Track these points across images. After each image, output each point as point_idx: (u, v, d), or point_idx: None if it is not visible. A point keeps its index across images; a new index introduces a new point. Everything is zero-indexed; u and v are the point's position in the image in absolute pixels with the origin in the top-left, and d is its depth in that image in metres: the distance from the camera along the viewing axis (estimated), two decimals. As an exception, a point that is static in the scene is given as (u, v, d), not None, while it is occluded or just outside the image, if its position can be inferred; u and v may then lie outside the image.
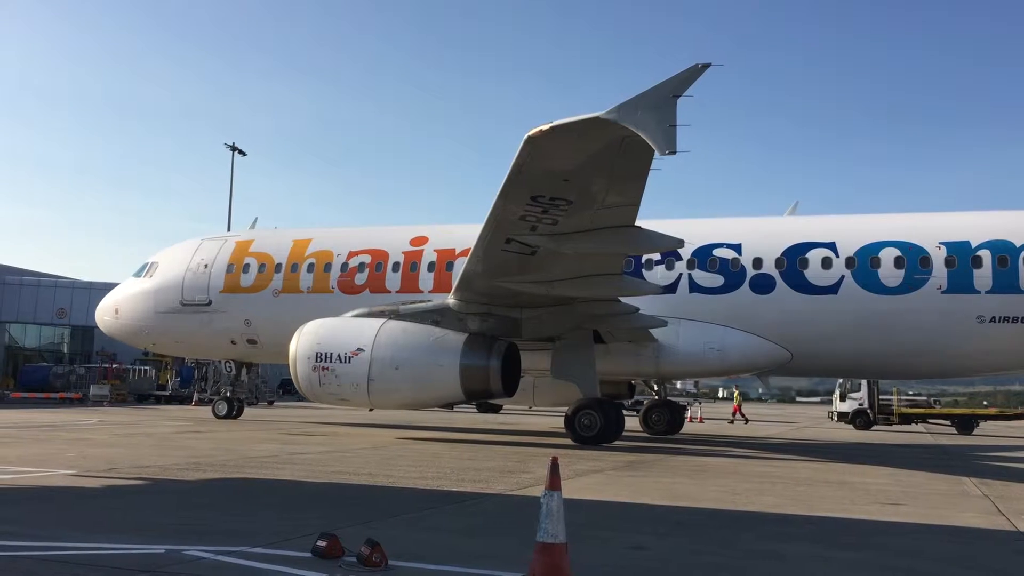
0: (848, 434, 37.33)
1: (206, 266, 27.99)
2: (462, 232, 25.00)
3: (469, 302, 20.84)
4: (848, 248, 22.49)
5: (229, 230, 36.88)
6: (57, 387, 46.83)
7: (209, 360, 37.05)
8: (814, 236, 22.98)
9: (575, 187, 16.03)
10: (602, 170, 15.50)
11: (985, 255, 21.65)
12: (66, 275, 60.27)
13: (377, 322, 20.86)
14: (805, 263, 22.61)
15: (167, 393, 48.48)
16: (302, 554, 7.20)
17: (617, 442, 22.04)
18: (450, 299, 20.99)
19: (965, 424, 42.48)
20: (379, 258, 26.21)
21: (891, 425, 43.61)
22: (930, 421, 44.72)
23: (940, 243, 22.00)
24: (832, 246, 22.60)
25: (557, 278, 19.49)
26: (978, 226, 22.29)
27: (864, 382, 42.90)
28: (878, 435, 37.03)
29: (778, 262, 22.79)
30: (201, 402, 43.56)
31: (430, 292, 24.51)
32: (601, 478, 14.45)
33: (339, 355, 20.38)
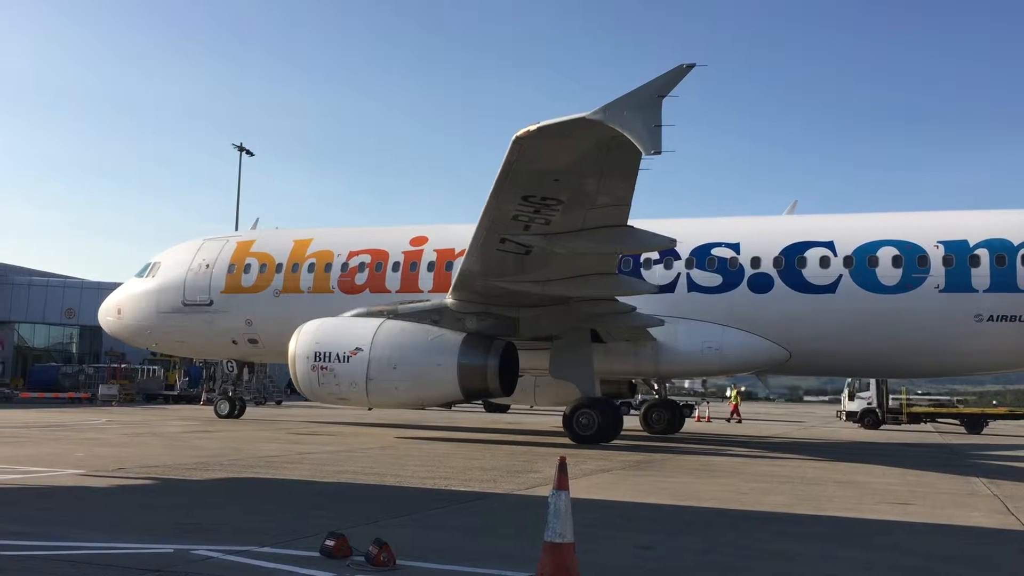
0: (856, 433, 37.25)
1: (207, 266, 28.10)
2: (462, 232, 25.04)
3: (467, 301, 20.89)
4: (846, 247, 22.49)
5: (237, 230, 36.96)
6: (66, 387, 46.94)
7: (216, 360, 37.17)
8: (812, 235, 22.98)
9: (566, 187, 16.17)
10: (592, 170, 15.62)
11: (983, 254, 21.63)
12: (75, 275, 60.45)
13: (375, 322, 20.96)
14: (803, 262, 22.60)
15: (175, 393, 48.58)
16: (310, 554, 7.21)
17: (622, 442, 22.03)
18: (448, 298, 21.05)
19: (974, 424, 42.32)
20: (379, 258, 26.28)
21: (900, 424, 43.48)
22: (939, 421, 44.56)
23: (938, 242, 21.98)
24: (830, 245, 22.59)
25: (552, 278, 19.57)
26: (976, 225, 22.28)
27: (873, 381, 42.79)
28: (887, 434, 36.93)
29: (776, 261, 22.79)
30: (209, 402, 43.55)
31: (430, 292, 24.58)
32: (608, 477, 14.44)
33: (338, 355, 20.46)
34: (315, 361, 20.64)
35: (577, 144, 14.87)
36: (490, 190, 16.47)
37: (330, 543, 7.13)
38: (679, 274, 23.36)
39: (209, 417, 30.48)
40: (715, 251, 23.31)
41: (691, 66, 13.51)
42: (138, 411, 36.37)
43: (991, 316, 21.31)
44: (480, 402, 36.19)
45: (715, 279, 23.08)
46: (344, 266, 26.49)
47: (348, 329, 21.09)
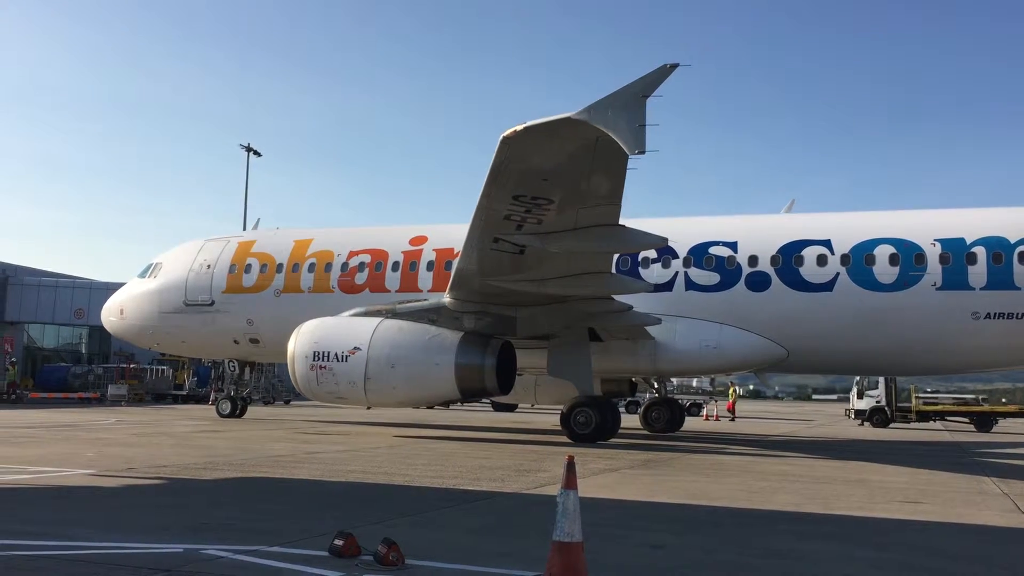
0: (866, 432, 37.14)
1: (209, 266, 28.23)
2: (461, 231, 25.02)
3: (464, 301, 20.96)
4: (843, 245, 22.50)
5: (244, 230, 37.02)
6: (75, 387, 47.10)
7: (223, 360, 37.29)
8: (809, 234, 23.01)
9: (555, 186, 16.29)
10: (580, 169, 15.74)
11: (980, 252, 21.62)
12: (84, 276, 60.60)
13: (374, 321, 21.06)
14: (800, 260, 22.63)
15: (184, 393, 48.71)
16: (319, 553, 7.21)
17: (629, 440, 22.00)
18: (446, 298, 21.12)
19: (984, 422, 42.14)
20: (379, 258, 26.37)
21: (909, 423, 43.34)
22: (948, 419, 44.38)
23: (935, 240, 21.99)
24: (827, 243, 22.62)
25: (548, 277, 19.65)
26: (973, 223, 22.27)
27: (881, 379, 42.66)
28: (896, 433, 36.82)
29: (774, 259, 22.81)
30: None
31: (429, 291, 24.67)
32: (617, 477, 14.43)
33: (336, 354, 20.57)
34: (314, 360, 20.77)
35: (564, 144, 15.03)
36: (481, 189, 16.63)
37: (339, 542, 7.13)
38: (677, 273, 23.42)
39: (218, 417, 30.56)
40: (713, 250, 23.36)
41: (674, 66, 13.68)
42: (147, 411, 36.48)
43: (988, 314, 21.32)
44: (488, 401, 36.17)
45: (713, 278, 23.12)
46: (344, 266, 26.60)
47: (346, 329, 21.21)
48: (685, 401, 60.18)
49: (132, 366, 50.39)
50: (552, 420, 35.36)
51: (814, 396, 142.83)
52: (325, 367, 20.63)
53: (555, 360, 22.20)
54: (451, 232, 25.91)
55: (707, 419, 48.99)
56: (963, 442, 30.29)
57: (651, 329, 22.39)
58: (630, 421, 30.98)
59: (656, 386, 31.27)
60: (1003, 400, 53.16)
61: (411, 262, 25.91)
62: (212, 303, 27.90)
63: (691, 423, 41.77)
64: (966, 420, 43.25)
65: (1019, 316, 21.19)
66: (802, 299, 22.41)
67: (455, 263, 20.12)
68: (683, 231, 23.77)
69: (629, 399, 43.08)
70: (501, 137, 15.05)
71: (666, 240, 19.33)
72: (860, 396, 45.71)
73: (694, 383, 76.47)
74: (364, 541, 7.15)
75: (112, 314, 30.23)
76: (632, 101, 13.83)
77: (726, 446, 23.46)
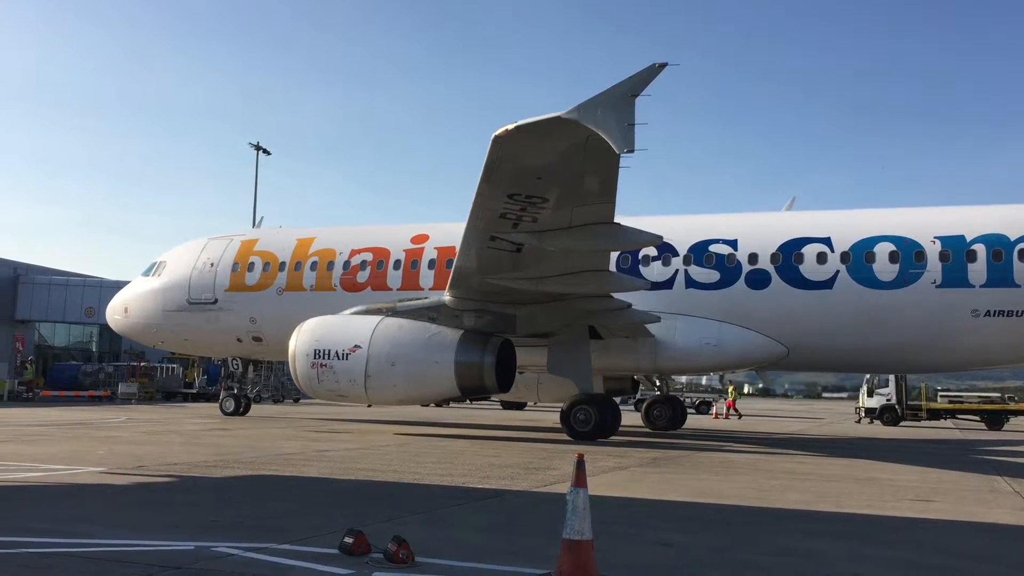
0: (876, 430, 37.04)
1: (212, 265, 28.35)
2: (461, 230, 25.14)
3: (464, 299, 21.02)
4: (843, 243, 22.48)
5: (255, 228, 37.08)
6: (86, 385, 47.27)
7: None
8: (809, 231, 23.00)
9: (549, 184, 16.39)
10: (573, 167, 15.83)
11: (980, 249, 21.60)
12: (94, 274, 60.85)
13: (374, 319, 21.15)
14: (800, 258, 22.63)
15: (194, 391, 48.84)
16: (329, 550, 7.22)
17: (638, 439, 21.97)
18: (446, 296, 21.19)
19: (995, 420, 41.98)
20: (381, 256, 26.44)
21: (919, 421, 43.19)
22: (959, 417, 44.22)
23: (935, 237, 21.96)
24: (827, 241, 22.60)
25: (546, 275, 19.72)
26: (973, 220, 22.24)
27: (892, 377, 42.52)
28: (906, 431, 36.70)
29: (773, 257, 22.81)
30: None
31: (430, 289, 24.74)
32: (626, 475, 14.42)
33: (337, 352, 20.66)
34: (315, 358, 20.87)
35: (555, 142, 15.12)
36: (476, 188, 16.75)
37: (349, 540, 7.15)
38: (677, 271, 23.44)
39: (239, 416, 30.64)
40: (713, 247, 23.37)
41: (663, 65, 13.78)
42: (157, 409, 36.61)
43: (988, 311, 21.31)
44: (496, 399, 36.19)
45: (713, 275, 23.14)
46: (346, 264, 26.68)
47: (347, 327, 21.31)
48: (695, 399, 60.26)
49: (142, 364, 50.55)
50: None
51: (824, 394, 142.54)
52: (326, 365, 20.74)
53: (555, 358, 22.25)
54: (452, 230, 25.97)
55: (716, 417, 48.92)
56: (974, 440, 30.18)
57: (651, 327, 22.41)
58: (634, 419, 31.00)
59: (658, 384, 31.27)
60: (1014, 398, 52.91)
61: (412, 260, 26.00)
62: (215, 301, 28.03)
63: (700, 421, 41.78)
64: (977, 418, 43.09)
65: (1019, 313, 21.19)
66: (802, 297, 22.43)
67: (454, 261, 20.19)
68: (683, 229, 23.89)
69: (637, 398, 43.08)
70: (493, 136, 15.21)
71: (661, 238, 19.50)
72: (870, 394, 45.58)
73: (703, 381, 76.40)
74: (374, 539, 7.16)
75: (117, 312, 30.42)
76: (621, 100, 13.96)
77: (734, 444, 23.41)
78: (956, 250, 21.70)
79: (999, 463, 19.36)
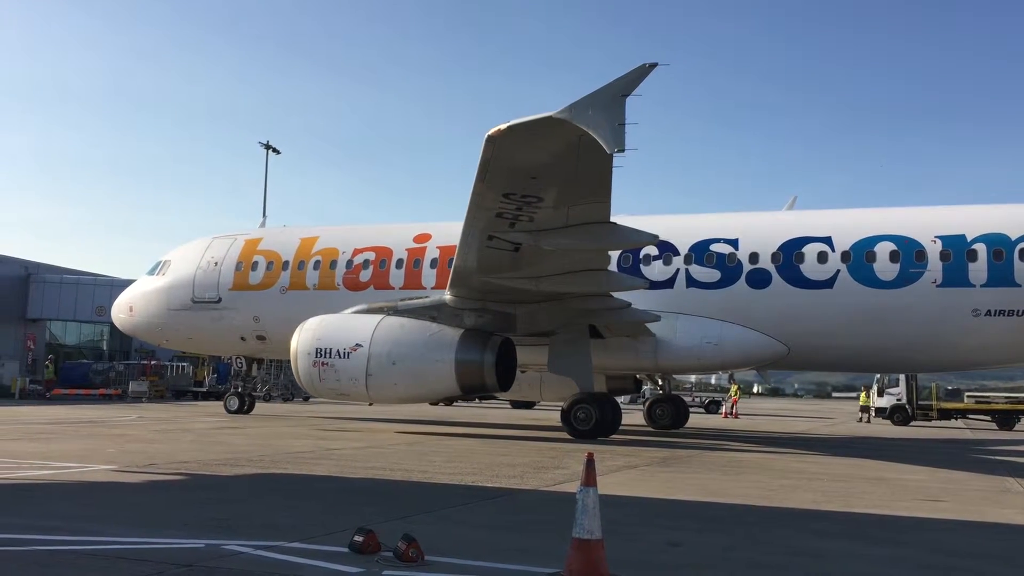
0: (885, 429, 36.93)
1: (216, 264, 28.51)
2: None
3: (464, 298, 21.13)
4: (844, 242, 22.49)
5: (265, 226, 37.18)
6: (97, 383, 47.46)
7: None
8: (810, 231, 23.01)
9: (544, 184, 16.48)
10: (567, 167, 15.91)
11: (980, 248, 21.57)
12: (105, 273, 61.06)
13: (375, 318, 21.27)
14: (801, 257, 22.64)
15: (204, 389, 48.98)
16: (339, 549, 7.25)
17: (646, 438, 21.94)
18: (446, 295, 21.29)
19: (1006, 420, 41.79)
20: (383, 255, 26.54)
21: (930, 421, 43.04)
22: (970, 417, 44.04)
23: (936, 237, 21.94)
24: (828, 240, 22.61)
25: (545, 274, 19.79)
26: (974, 220, 22.22)
27: (902, 377, 42.38)
28: (917, 431, 36.59)
29: (774, 257, 22.83)
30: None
31: (433, 288, 24.82)
32: (635, 474, 14.42)
33: (338, 351, 20.79)
34: (316, 357, 21.01)
35: (548, 142, 15.21)
36: (472, 188, 16.84)
37: (359, 539, 7.17)
38: (678, 270, 23.47)
39: (243, 414, 30.75)
40: (713, 247, 23.41)
41: (653, 65, 13.92)
42: (168, 407, 36.75)
43: (988, 311, 21.30)
44: (505, 398, 36.24)
45: (714, 275, 23.17)
46: (349, 263, 26.80)
47: (348, 326, 21.43)
48: (705, 399, 60.19)
49: (153, 363, 50.73)
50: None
51: (833, 394, 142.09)
52: (327, 364, 20.87)
53: (555, 357, 22.31)
54: (454, 229, 26.02)
55: (725, 416, 48.86)
56: (985, 440, 30.07)
57: (653, 326, 22.45)
58: (636, 418, 31.00)
59: (660, 383, 31.28)
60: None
61: (415, 259, 26.10)
62: (219, 300, 28.20)
63: (710, 420, 41.73)
64: (988, 418, 42.90)
65: (1020, 313, 21.18)
66: (803, 296, 22.45)
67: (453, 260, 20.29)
68: (684, 228, 23.99)
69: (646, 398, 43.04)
70: (486, 136, 15.31)
71: (657, 237, 19.58)
72: (880, 394, 45.46)
73: (712, 380, 76.30)
74: (384, 537, 7.18)
75: (122, 311, 30.63)
76: (612, 100, 14.10)
77: (743, 444, 23.38)
78: (957, 249, 21.68)
79: (1010, 463, 19.28)
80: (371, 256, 26.64)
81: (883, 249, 22.13)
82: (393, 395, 21.49)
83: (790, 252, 22.74)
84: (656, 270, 23.50)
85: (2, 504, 9.89)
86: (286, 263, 27.67)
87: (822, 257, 22.45)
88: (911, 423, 42.55)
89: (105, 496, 10.65)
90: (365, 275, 26.45)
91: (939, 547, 8.52)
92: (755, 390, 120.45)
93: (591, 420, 21.43)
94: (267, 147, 57.65)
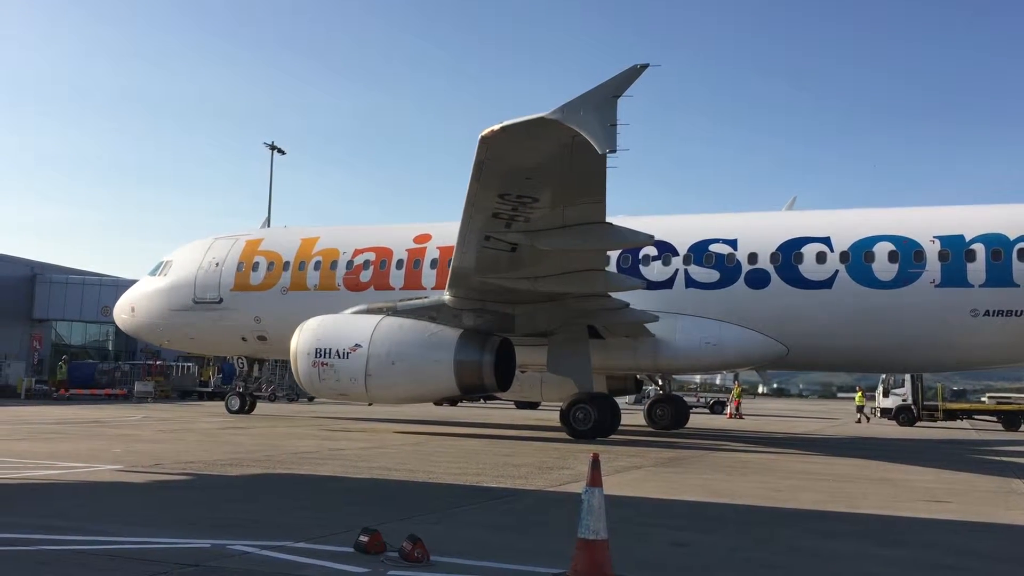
0: (891, 430, 36.85)
1: (217, 264, 28.59)
2: None
3: (463, 298, 21.19)
4: (843, 243, 22.49)
5: (268, 227, 37.23)
6: (102, 384, 47.54)
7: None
8: (809, 231, 23.03)
9: (539, 184, 16.57)
10: (561, 168, 15.99)
11: (979, 249, 21.58)
12: (110, 273, 61.23)
13: (374, 319, 21.34)
14: (800, 258, 22.66)
15: (209, 389, 49.05)
16: (344, 549, 7.25)
17: (652, 439, 21.91)
18: (445, 295, 21.34)
19: (1011, 420, 41.66)
20: (383, 255, 26.61)
21: (935, 421, 42.93)
22: (976, 417, 43.92)
23: (934, 237, 21.94)
24: (827, 241, 22.61)
25: (542, 274, 19.84)
26: (972, 220, 22.22)
27: (907, 377, 42.27)
28: (922, 431, 36.50)
29: (773, 257, 22.84)
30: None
31: (433, 288, 24.86)
32: (641, 474, 14.41)
33: (338, 351, 20.86)
34: (316, 357, 21.08)
35: (541, 143, 15.29)
36: (467, 188, 16.90)
37: (364, 539, 7.18)
38: (677, 270, 23.49)
39: (244, 414, 30.78)
40: (713, 247, 23.43)
41: (645, 66, 14.03)
42: (173, 407, 36.81)
43: (987, 311, 21.29)
44: (506, 398, 36.26)
45: (713, 275, 23.19)
46: (349, 264, 26.86)
47: (348, 326, 21.50)
48: (709, 399, 60.12)
49: (158, 363, 50.82)
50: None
51: (839, 394, 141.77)
52: (327, 364, 20.94)
53: (554, 357, 22.35)
54: (454, 230, 26.12)
55: (730, 417, 48.80)
56: (991, 441, 29.99)
57: (652, 326, 22.47)
58: (638, 418, 30.97)
59: (660, 383, 31.30)
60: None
61: (415, 260, 26.16)
62: (220, 301, 28.27)
63: (715, 421, 41.68)
64: (994, 419, 42.77)
65: (1018, 313, 21.17)
66: (802, 296, 22.47)
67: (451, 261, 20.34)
68: (683, 229, 24.03)
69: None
70: (479, 136, 15.37)
71: (653, 237, 19.74)
72: (886, 394, 45.34)
73: (717, 380, 76.16)
74: (389, 537, 7.19)
75: (124, 311, 30.73)
76: (604, 101, 14.20)
77: (748, 445, 23.36)
78: (955, 250, 21.68)
79: (1017, 465, 19.22)
80: (371, 256, 26.70)
81: (882, 249, 22.14)
82: (392, 395, 21.62)
83: (789, 252, 22.75)
84: (655, 270, 23.54)
85: (9, 503, 9.92)
86: (287, 264, 27.74)
87: (821, 257, 22.46)
88: (916, 424, 42.43)
89: (111, 496, 10.68)
90: (365, 275, 26.51)
91: (946, 548, 8.49)
92: (760, 390, 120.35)
93: (590, 420, 21.46)
94: (272, 147, 57.70)
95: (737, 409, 49.97)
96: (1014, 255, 21.30)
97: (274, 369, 48.67)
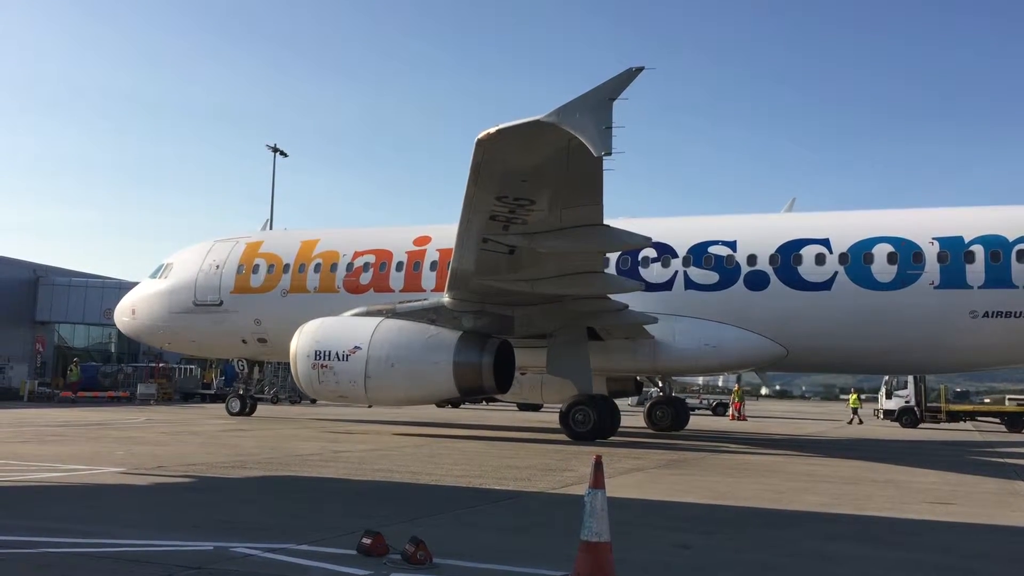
0: (895, 432, 36.81)
1: (217, 267, 28.62)
2: None
3: (462, 300, 21.21)
4: (842, 244, 22.48)
5: (271, 229, 37.25)
6: (105, 386, 47.58)
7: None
8: (808, 232, 23.02)
9: (535, 187, 16.62)
10: (557, 170, 16.04)
11: (978, 250, 21.55)
12: (113, 276, 61.22)
13: (374, 321, 21.39)
14: (799, 259, 22.64)
15: (212, 392, 49.05)
16: (347, 551, 7.25)
17: (654, 440, 21.89)
18: (444, 297, 21.37)
19: (1015, 422, 41.60)
20: (383, 258, 26.63)
21: (939, 423, 42.88)
22: (979, 419, 43.87)
23: (933, 238, 21.93)
24: (826, 242, 22.61)
25: (541, 276, 19.86)
26: (971, 221, 22.23)
27: (910, 378, 42.23)
28: (926, 433, 36.45)
29: (772, 259, 22.82)
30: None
31: (432, 291, 24.86)
32: (643, 476, 14.40)
33: (337, 353, 20.94)
34: (315, 359, 21.16)
35: (538, 145, 15.34)
36: (464, 191, 16.95)
37: (367, 541, 7.17)
38: (676, 272, 23.48)
39: (245, 416, 30.80)
40: (712, 249, 23.41)
41: (640, 69, 14.11)
42: (176, 410, 36.83)
43: (986, 312, 21.26)
44: (508, 399, 36.29)
45: (712, 277, 23.17)
46: (349, 266, 26.88)
47: (347, 328, 21.57)
48: (712, 401, 60.06)
49: (161, 365, 50.84)
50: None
51: (841, 396, 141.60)
52: (327, 366, 21.01)
53: (553, 359, 22.35)
54: (454, 232, 26.18)
55: (733, 419, 48.75)
56: (994, 442, 29.95)
57: (651, 328, 22.47)
58: (637, 420, 30.95)
59: (660, 385, 31.30)
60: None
61: (415, 262, 26.18)
62: (221, 303, 28.30)
63: (717, 423, 41.63)
64: (997, 420, 42.73)
65: (1017, 314, 21.14)
66: (801, 298, 22.45)
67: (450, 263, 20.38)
68: (682, 230, 24.05)
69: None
70: (476, 139, 15.42)
71: (650, 239, 19.81)
72: (889, 396, 45.29)
73: (719, 382, 76.12)
74: (392, 540, 7.18)
75: (124, 314, 30.77)
76: (599, 103, 14.25)
77: (750, 446, 23.34)
78: (954, 251, 21.67)
79: (1020, 466, 19.19)
80: (371, 259, 26.73)
81: (881, 251, 22.13)
82: (392, 397, 21.68)
83: (788, 254, 22.74)
84: (654, 272, 23.54)
85: (12, 506, 9.92)
86: (287, 266, 27.77)
87: (820, 259, 22.45)
88: (919, 425, 42.39)
89: (114, 498, 10.68)
90: (365, 278, 26.53)
91: (952, 550, 8.48)
92: (762, 392, 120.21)
93: (589, 422, 21.47)
94: (275, 150, 57.71)
95: (739, 411, 49.90)
96: (1013, 256, 21.28)
97: (276, 371, 48.66)
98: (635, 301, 21.85)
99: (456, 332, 20.96)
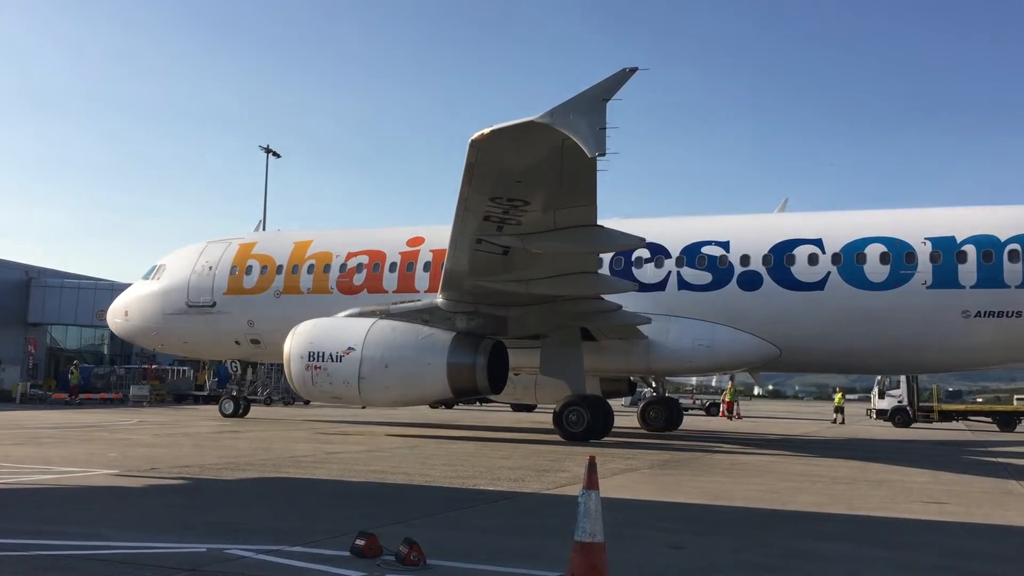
0: (887, 431, 36.89)
1: (210, 268, 28.57)
2: None
3: (456, 301, 21.20)
4: (834, 244, 22.54)
5: (264, 230, 37.19)
6: (98, 388, 47.42)
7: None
8: (801, 233, 23.09)
9: (529, 188, 16.62)
10: (551, 171, 16.03)
11: (970, 250, 21.63)
12: (105, 277, 61.02)
13: (367, 321, 21.37)
14: (792, 260, 22.71)
15: (205, 393, 48.91)
16: (341, 553, 7.23)
17: (650, 441, 21.89)
18: (438, 298, 21.35)
19: (1006, 421, 41.75)
20: (376, 259, 26.62)
21: (931, 422, 42.99)
22: (971, 418, 44.01)
23: (926, 238, 22.00)
24: (819, 242, 22.67)
25: (535, 277, 19.87)
26: (964, 221, 22.29)
27: (903, 378, 42.33)
28: (918, 432, 36.55)
29: (765, 259, 22.89)
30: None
31: (426, 292, 24.84)
32: (637, 476, 14.41)
33: (331, 354, 20.93)
34: (309, 360, 21.14)
35: (532, 146, 15.34)
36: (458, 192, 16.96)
37: (360, 542, 7.15)
38: (670, 272, 23.52)
39: (238, 417, 30.73)
40: (705, 249, 23.46)
41: (633, 70, 14.13)
42: (169, 412, 36.72)
43: (978, 312, 21.35)
44: (500, 400, 36.30)
45: (705, 277, 23.22)
46: (342, 267, 26.86)
47: (341, 329, 21.55)
48: (705, 401, 60.11)
49: (154, 367, 50.70)
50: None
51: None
52: (320, 367, 20.99)
53: (547, 359, 22.39)
54: (447, 233, 26.15)
55: (723, 415, 48.83)
56: (986, 441, 30.03)
57: (645, 328, 22.51)
58: (631, 420, 30.96)
59: (654, 385, 31.34)
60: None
61: (408, 263, 26.16)
62: (214, 304, 28.24)
63: (711, 423, 41.69)
64: (989, 419, 42.87)
65: (1009, 314, 21.22)
66: (794, 298, 22.51)
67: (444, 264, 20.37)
68: (676, 231, 24.11)
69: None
70: (470, 140, 15.42)
71: (644, 240, 19.81)
72: (881, 395, 45.39)
73: (713, 382, 76.19)
74: (385, 541, 7.16)
75: (117, 315, 30.70)
76: (593, 104, 14.26)
77: (744, 447, 23.37)
78: (947, 251, 21.75)
79: (1012, 465, 19.25)
80: (364, 260, 26.71)
81: (873, 251, 22.20)
82: (386, 398, 21.63)
83: (781, 254, 22.79)
84: (648, 272, 23.58)
85: (4, 509, 9.88)
86: (280, 267, 27.74)
87: (813, 259, 22.50)
88: (912, 425, 42.49)
89: (107, 500, 10.64)
90: (358, 279, 26.51)
91: (946, 550, 8.50)
92: (755, 392, 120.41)
93: (583, 422, 21.46)
94: (267, 151, 57.62)
95: (730, 410, 49.91)
96: (1005, 256, 21.36)
97: (269, 373, 48.54)
98: (629, 301, 21.88)
99: (450, 333, 20.95)
